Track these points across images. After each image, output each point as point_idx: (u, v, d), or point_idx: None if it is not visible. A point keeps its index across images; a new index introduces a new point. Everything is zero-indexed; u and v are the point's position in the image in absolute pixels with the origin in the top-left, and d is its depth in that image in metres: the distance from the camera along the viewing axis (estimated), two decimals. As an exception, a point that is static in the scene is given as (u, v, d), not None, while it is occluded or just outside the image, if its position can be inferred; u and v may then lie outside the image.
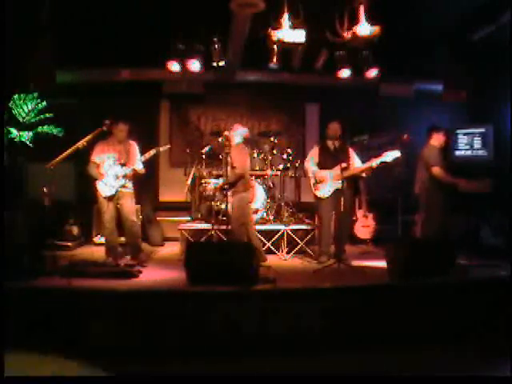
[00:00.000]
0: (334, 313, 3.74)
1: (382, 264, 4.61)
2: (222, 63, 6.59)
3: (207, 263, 4.05)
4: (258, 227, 5.77)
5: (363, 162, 5.42)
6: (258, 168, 6.49)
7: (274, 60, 6.46)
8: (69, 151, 4.74)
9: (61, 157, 4.70)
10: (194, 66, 6.57)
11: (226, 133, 5.50)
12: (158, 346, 3.51)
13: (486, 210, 5.95)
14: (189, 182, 6.49)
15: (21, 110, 5.39)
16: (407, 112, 7.52)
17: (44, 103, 5.48)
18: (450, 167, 5.56)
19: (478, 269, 4.72)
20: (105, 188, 4.99)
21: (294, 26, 4.92)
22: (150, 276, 4.60)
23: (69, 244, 6.23)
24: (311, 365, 3.31)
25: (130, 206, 5.11)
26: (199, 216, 6.52)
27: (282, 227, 5.96)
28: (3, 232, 4.13)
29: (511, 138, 6.14)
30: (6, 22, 4.66)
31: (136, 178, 5.22)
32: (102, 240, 6.58)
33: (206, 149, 6.50)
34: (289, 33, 4.90)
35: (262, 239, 5.74)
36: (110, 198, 5.02)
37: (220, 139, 6.21)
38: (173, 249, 6.35)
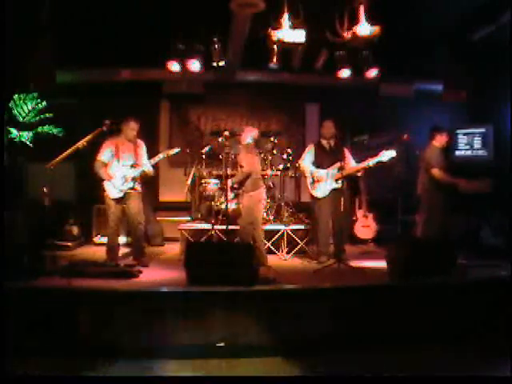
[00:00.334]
0: (334, 313, 3.74)
1: (382, 264, 4.61)
2: (222, 63, 6.59)
3: (207, 263, 4.05)
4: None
5: (363, 161, 5.42)
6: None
7: (274, 60, 6.46)
8: (69, 151, 4.73)
9: (61, 157, 4.70)
10: (194, 66, 6.57)
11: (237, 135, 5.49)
12: (158, 346, 3.50)
13: (486, 210, 5.95)
14: (189, 182, 6.49)
15: (21, 110, 5.39)
16: (407, 112, 7.52)
17: (44, 103, 5.47)
18: (450, 167, 5.56)
19: (477, 269, 4.72)
20: (113, 190, 4.96)
21: (293, 26, 4.93)
22: (150, 276, 4.60)
23: (69, 244, 6.23)
24: (311, 365, 3.31)
25: (137, 207, 5.07)
26: (199, 216, 6.52)
27: (281, 227, 5.96)
28: (3, 232, 4.12)
29: (511, 137, 6.13)
30: (6, 21, 4.66)
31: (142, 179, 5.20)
32: (103, 240, 6.59)
33: (206, 149, 6.51)
34: (289, 33, 4.90)
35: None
36: (118, 200, 4.99)
37: (220, 139, 6.22)
38: (173, 249, 6.35)
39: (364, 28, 4.78)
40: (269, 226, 6.01)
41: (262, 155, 6.54)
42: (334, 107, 7.34)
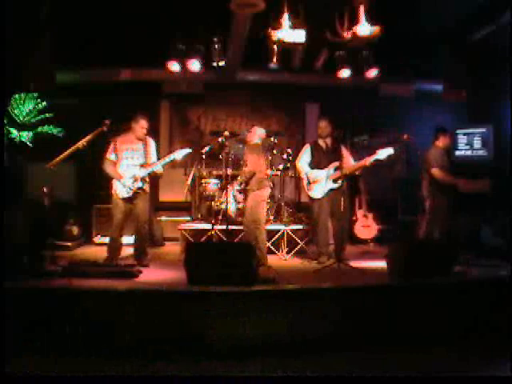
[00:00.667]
0: (334, 313, 3.74)
1: (382, 264, 4.61)
2: (222, 63, 6.60)
3: (207, 263, 4.05)
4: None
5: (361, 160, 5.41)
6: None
7: (274, 60, 6.47)
8: (69, 151, 4.73)
9: (61, 157, 4.70)
10: (194, 65, 6.58)
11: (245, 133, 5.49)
12: (158, 346, 3.50)
13: (486, 210, 5.95)
14: (189, 182, 6.49)
15: (21, 110, 5.39)
16: (407, 112, 7.53)
17: (44, 103, 5.47)
18: (450, 167, 5.57)
19: (478, 269, 4.72)
20: (122, 189, 4.92)
21: (293, 26, 4.93)
22: (150, 276, 4.60)
23: (69, 244, 6.23)
24: (311, 365, 3.30)
25: (143, 207, 5.04)
26: (199, 216, 6.52)
27: (281, 227, 5.96)
28: (3, 232, 4.12)
29: (511, 137, 6.14)
30: (6, 22, 4.66)
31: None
32: (103, 240, 6.61)
33: (206, 149, 6.50)
34: (289, 33, 4.90)
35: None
36: (126, 199, 4.97)
37: (220, 139, 6.22)
38: (173, 249, 6.35)
39: (364, 28, 4.78)
40: (269, 226, 6.00)
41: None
42: (334, 107, 7.34)
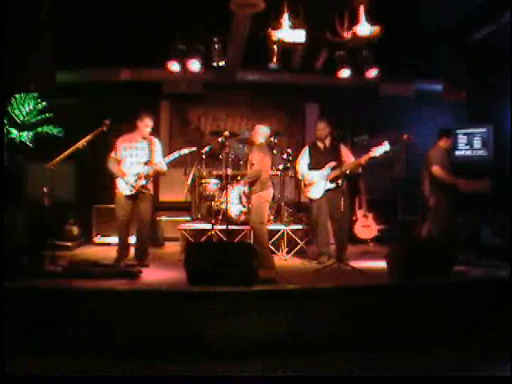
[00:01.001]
0: (334, 313, 3.74)
1: (382, 264, 4.61)
2: (221, 63, 6.60)
3: (207, 263, 4.05)
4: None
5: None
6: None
7: (274, 60, 6.47)
8: (69, 151, 4.73)
9: (61, 157, 4.70)
10: (194, 66, 6.58)
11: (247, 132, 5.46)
12: (158, 346, 3.50)
13: (486, 210, 5.95)
14: (189, 182, 6.49)
15: (21, 110, 5.39)
16: (407, 112, 7.53)
17: (44, 103, 5.47)
18: (450, 168, 5.57)
19: (478, 269, 4.72)
20: (125, 187, 4.91)
21: (293, 26, 4.92)
22: (150, 276, 4.60)
23: (69, 244, 6.22)
24: (311, 365, 3.31)
25: (146, 208, 5.03)
26: (199, 216, 6.52)
27: (281, 227, 5.96)
28: (3, 232, 4.12)
29: (511, 137, 6.14)
30: (6, 22, 4.66)
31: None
32: (103, 240, 6.62)
33: (206, 149, 6.50)
34: (289, 33, 4.90)
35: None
36: (129, 197, 4.97)
37: (220, 139, 6.22)
38: (173, 249, 6.35)
39: (364, 28, 4.78)
40: (269, 226, 6.00)
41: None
42: (334, 107, 7.35)
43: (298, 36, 4.91)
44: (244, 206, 6.03)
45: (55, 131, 5.42)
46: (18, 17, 5.17)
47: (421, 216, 5.72)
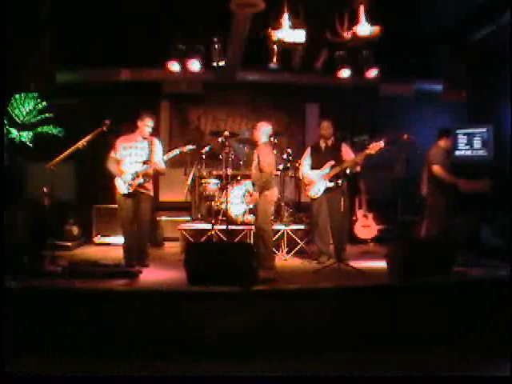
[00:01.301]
0: (334, 313, 3.74)
1: (382, 264, 4.61)
2: (221, 63, 6.60)
3: (207, 263, 4.05)
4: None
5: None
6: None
7: (274, 60, 6.47)
8: (69, 151, 4.73)
9: (61, 157, 4.70)
10: (194, 66, 6.58)
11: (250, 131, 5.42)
12: (158, 346, 3.51)
13: (486, 210, 5.96)
14: (189, 182, 6.49)
15: (21, 110, 5.39)
16: (407, 112, 7.54)
17: (44, 103, 5.47)
18: (450, 168, 5.57)
19: (478, 269, 4.72)
20: (123, 186, 4.89)
21: (293, 26, 4.92)
22: (150, 276, 4.59)
23: (69, 244, 6.22)
24: (311, 365, 3.31)
25: (147, 208, 5.00)
26: (199, 216, 6.52)
27: (282, 227, 5.96)
28: (3, 232, 4.12)
29: (511, 137, 6.14)
30: (6, 22, 4.66)
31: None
32: (103, 240, 6.62)
33: (206, 149, 6.50)
34: (289, 33, 4.90)
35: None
36: (128, 196, 4.93)
37: (220, 139, 6.22)
38: (173, 249, 6.35)
39: (364, 28, 4.78)
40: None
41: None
42: (334, 107, 7.34)
43: (298, 36, 4.91)
44: (247, 205, 6.01)
45: (55, 131, 5.42)
46: (18, 17, 5.17)
47: (421, 216, 5.72)
